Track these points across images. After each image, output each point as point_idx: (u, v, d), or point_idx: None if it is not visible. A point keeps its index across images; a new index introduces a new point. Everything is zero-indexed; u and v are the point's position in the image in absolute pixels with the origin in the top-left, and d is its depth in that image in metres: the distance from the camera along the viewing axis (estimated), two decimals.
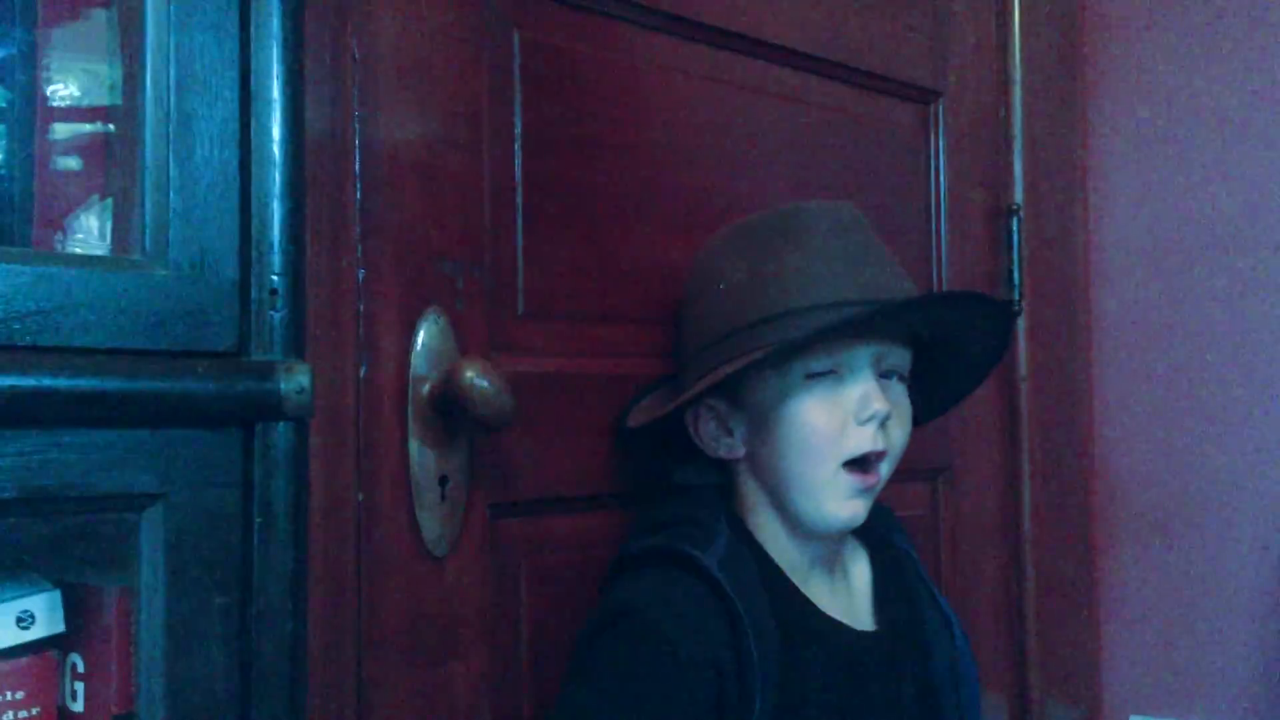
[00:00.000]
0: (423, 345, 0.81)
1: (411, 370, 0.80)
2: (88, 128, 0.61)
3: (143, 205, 0.49)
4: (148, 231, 0.49)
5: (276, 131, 0.50)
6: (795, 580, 0.89)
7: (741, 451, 0.90)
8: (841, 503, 0.86)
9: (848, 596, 0.94)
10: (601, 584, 0.89)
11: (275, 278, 0.50)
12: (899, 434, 0.87)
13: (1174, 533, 1.40)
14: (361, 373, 0.78)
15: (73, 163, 0.63)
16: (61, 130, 0.62)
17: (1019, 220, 1.39)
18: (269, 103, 0.50)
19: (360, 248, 0.77)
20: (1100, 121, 1.48)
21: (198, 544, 0.49)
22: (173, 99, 0.50)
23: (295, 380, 0.50)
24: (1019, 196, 1.39)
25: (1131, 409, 1.44)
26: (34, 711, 0.53)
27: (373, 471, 0.78)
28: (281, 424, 0.50)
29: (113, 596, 0.55)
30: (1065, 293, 1.45)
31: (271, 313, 0.50)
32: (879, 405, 0.84)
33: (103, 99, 0.60)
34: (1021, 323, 1.39)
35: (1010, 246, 1.38)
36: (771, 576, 0.87)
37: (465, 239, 0.84)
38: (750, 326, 0.86)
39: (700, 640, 0.79)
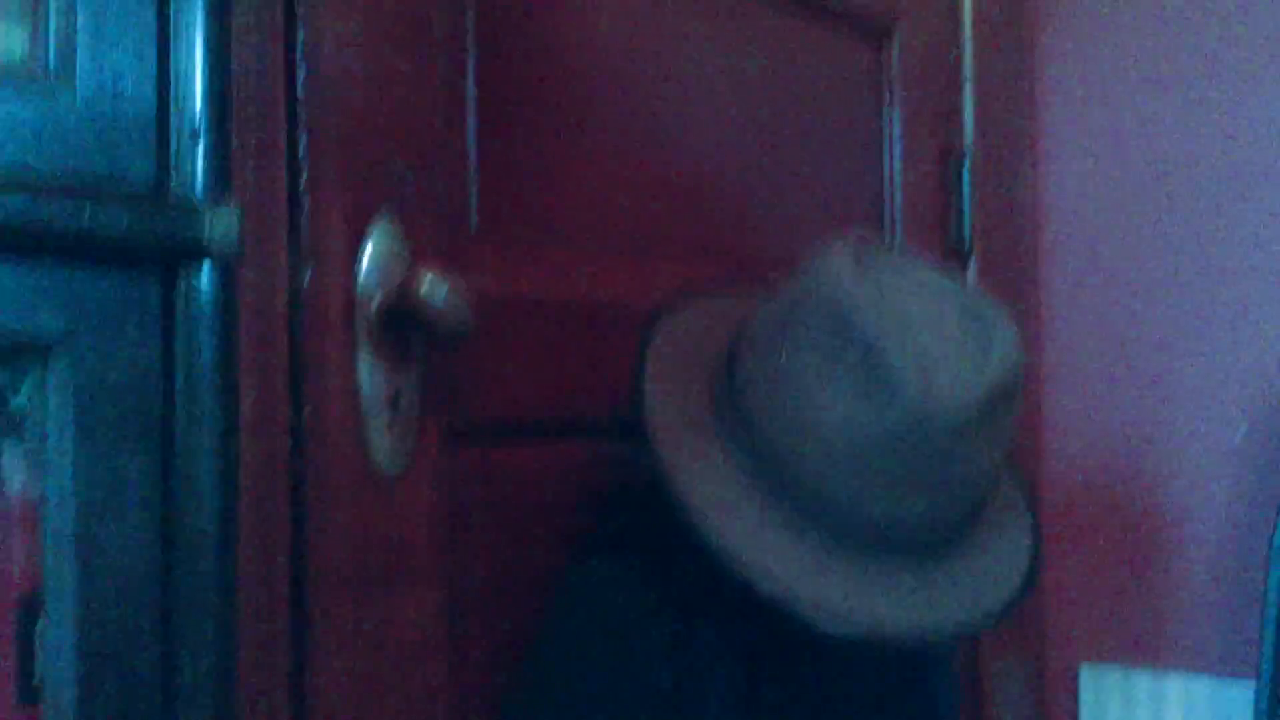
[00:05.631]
0: (372, 253, 0.76)
1: (361, 278, 0.76)
2: None
3: (46, 21, 0.44)
4: (52, 50, 0.44)
5: None
6: None
7: None
8: None
9: None
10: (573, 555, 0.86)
11: (199, 111, 0.46)
12: None
13: (1122, 476, 1.40)
14: (305, 280, 0.72)
15: None
16: None
17: (969, 162, 1.38)
18: None
19: (304, 142, 0.71)
20: (1051, 63, 1.47)
21: (111, 399, 0.45)
22: None
23: (221, 221, 0.46)
24: (969, 138, 1.39)
25: (1081, 351, 1.44)
26: None
27: (319, 386, 0.73)
28: (206, 267, 0.46)
29: (16, 461, 0.50)
30: (1015, 235, 1.44)
31: (193, 147, 0.46)
32: None
33: None
34: (972, 265, 1.39)
35: (960, 189, 1.38)
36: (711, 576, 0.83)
37: (416, 143, 0.79)
38: (757, 456, 0.76)
39: (652, 619, 0.76)
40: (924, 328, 0.76)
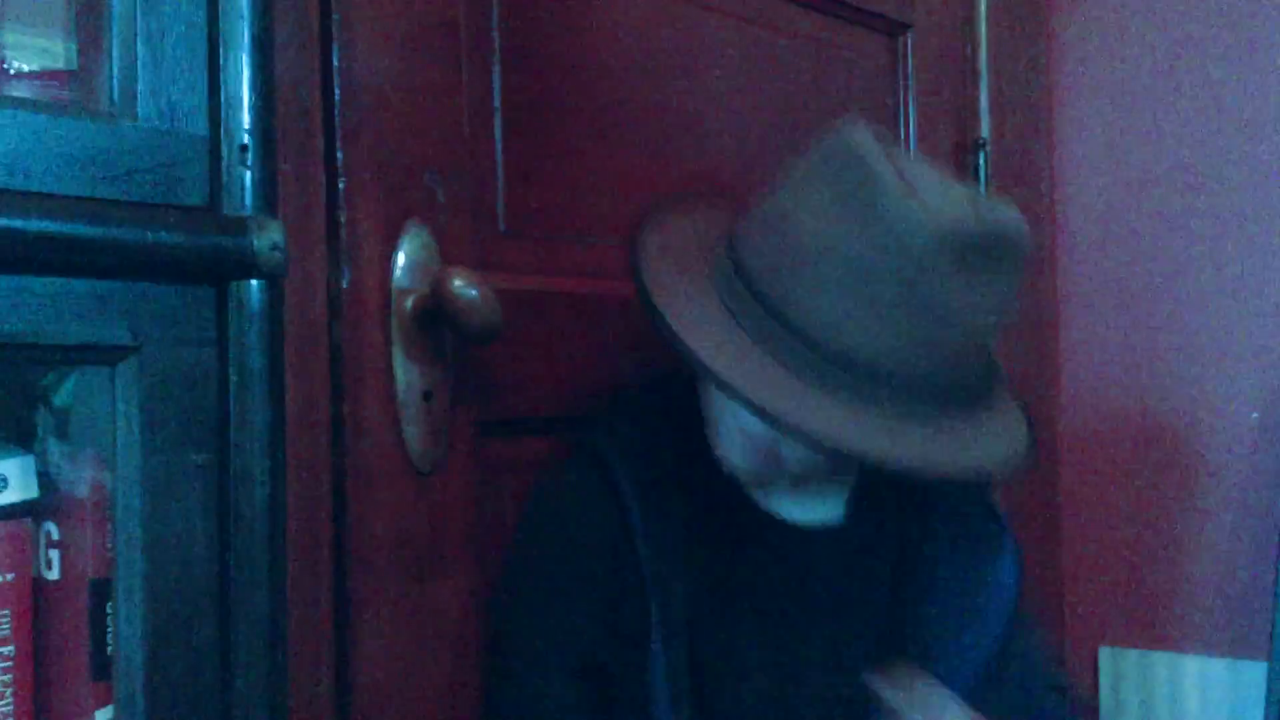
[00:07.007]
0: (406, 257, 0.80)
1: (395, 282, 0.79)
2: None
3: (110, 56, 0.48)
4: (115, 83, 0.49)
5: None
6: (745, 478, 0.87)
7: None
8: (770, 492, 0.87)
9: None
10: None
11: (246, 134, 0.50)
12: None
13: (1140, 462, 1.42)
14: (344, 283, 0.76)
15: None
16: None
17: (985, 155, 1.40)
18: None
19: (341, 154, 0.75)
20: (1066, 54, 1.49)
21: (173, 401, 0.49)
22: None
23: (268, 237, 0.50)
24: (985, 131, 1.41)
25: (1097, 340, 1.46)
26: (9, 577, 0.53)
27: (358, 384, 0.77)
28: (255, 281, 0.50)
29: (86, 460, 0.54)
30: (1032, 226, 1.45)
31: (242, 169, 0.50)
32: (813, 477, 0.85)
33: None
34: None
35: (977, 181, 1.40)
36: (707, 473, 0.86)
37: (446, 151, 0.83)
38: (760, 300, 0.73)
39: (590, 524, 0.82)
40: (929, 179, 0.73)
